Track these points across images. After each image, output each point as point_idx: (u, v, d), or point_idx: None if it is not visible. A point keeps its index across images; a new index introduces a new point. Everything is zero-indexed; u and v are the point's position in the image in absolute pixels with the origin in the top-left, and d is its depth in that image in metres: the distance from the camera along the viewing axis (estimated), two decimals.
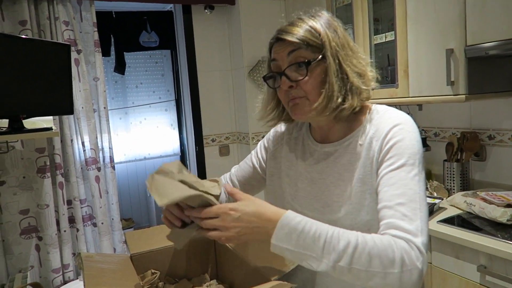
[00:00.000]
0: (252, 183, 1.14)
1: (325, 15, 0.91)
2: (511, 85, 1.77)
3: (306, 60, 0.85)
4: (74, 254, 2.39)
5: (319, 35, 0.86)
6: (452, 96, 1.68)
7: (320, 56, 0.85)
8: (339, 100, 0.85)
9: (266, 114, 1.00)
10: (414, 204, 0.74)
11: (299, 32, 0.86)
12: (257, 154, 1.13)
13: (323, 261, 0.70)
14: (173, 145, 4.50)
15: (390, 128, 0.84)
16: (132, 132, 4.30)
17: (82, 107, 2.38)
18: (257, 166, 1.11)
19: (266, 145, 1.11)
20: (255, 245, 0.96)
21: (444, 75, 1.68)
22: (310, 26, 0.87)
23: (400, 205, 0.75)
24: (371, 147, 0.86)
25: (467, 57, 1.62)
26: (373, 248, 0.70)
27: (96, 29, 2.41)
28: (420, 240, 0.72)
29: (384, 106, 0.92)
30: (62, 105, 1.89)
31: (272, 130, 1.12)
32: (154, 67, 4.38)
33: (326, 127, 0.94)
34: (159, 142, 4.41)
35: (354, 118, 0.91)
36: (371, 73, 0.90)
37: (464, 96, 1.64)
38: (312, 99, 0.86)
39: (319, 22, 0.88)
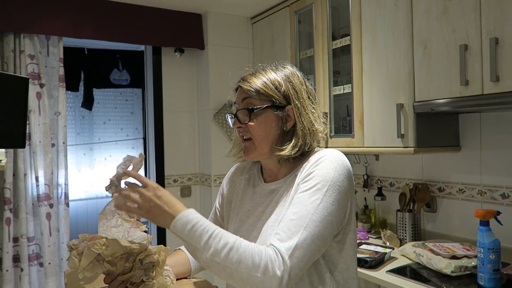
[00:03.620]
0: None
1: (287, 69, 1.01)
2: (457, 141, 1.87)
3: (252, 107, 0.96)
4: None
5: (274, 87, 0.96)
6: (402, 148, 1.75)
7: (266, 105, 0.96)
8: (283, 147, 0.95)
9: (233, 153, 1.10)
10: (303, 221, 0.84)
11: (255, 82, 0.97)
12: (216, 204, 1.20)
13: (203, 253, 0.81)
14: None
15: (315, 160, 0.93)
16: (96, 168, 4.20)
17: (40, 141, 2.33)
18: (218, 217, 1.19)
19: (222, 191, 1.19)
20: None
21: (395, 128, 1.76)
22: (267, 78, 0.97)
23: (290, 220, 0.85)
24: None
25: (415, 112, 1.71)
26: (244, 252, 0.80)
27: (62, 64, 2.41)
28: (289, 252, 0.80)
29: (328, 149, 0.99)
30: (14, 138, 1.83)
31: (227, 175, 1.20)
32: (124, 104, 4.35)
33: (275, 168, 1.03)
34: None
35: (300, 159, 1.00)
36: (319, 126, 0.99)
37: (412, 149, 1.71)
38: (256, 144, 0.98)
39: (278, 75, 0.98)
